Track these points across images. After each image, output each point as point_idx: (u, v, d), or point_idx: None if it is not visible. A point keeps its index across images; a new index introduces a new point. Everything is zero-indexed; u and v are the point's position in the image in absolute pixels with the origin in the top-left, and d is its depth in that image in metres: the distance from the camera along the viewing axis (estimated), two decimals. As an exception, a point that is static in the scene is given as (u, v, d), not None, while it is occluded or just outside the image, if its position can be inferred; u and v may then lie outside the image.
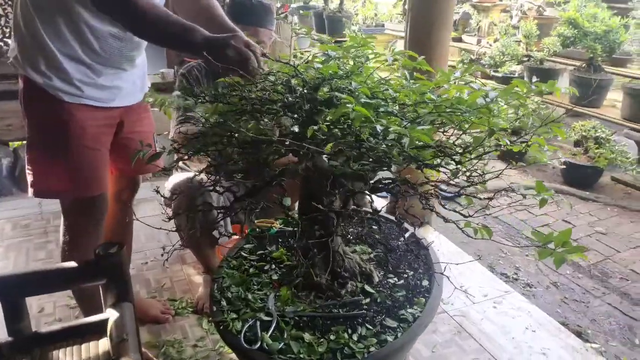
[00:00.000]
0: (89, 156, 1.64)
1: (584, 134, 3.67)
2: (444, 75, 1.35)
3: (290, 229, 1.76)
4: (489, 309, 2.16)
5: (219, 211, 1.37)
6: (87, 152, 1.63)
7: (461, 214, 1.19)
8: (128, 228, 2.06)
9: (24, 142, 2.30)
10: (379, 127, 1.06)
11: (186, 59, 4.94)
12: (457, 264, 1.45)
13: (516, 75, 5.02)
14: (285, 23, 4.66)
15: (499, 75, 4.97)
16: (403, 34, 7.24)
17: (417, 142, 1.03)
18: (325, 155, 1.21)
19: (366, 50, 1.40)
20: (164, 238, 2.76)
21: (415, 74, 1.38)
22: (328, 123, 1.08)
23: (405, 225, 1.72)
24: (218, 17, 1.70)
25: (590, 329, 2.22)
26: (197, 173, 1.42)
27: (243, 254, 1.63)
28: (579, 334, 2.11)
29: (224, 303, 1.38)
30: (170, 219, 1.28)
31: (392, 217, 1.61)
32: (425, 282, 1.47)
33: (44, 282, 1.38)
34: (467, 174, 1.21)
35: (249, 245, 1.67)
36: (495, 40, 5.25)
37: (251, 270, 1.53)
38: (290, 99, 1.19)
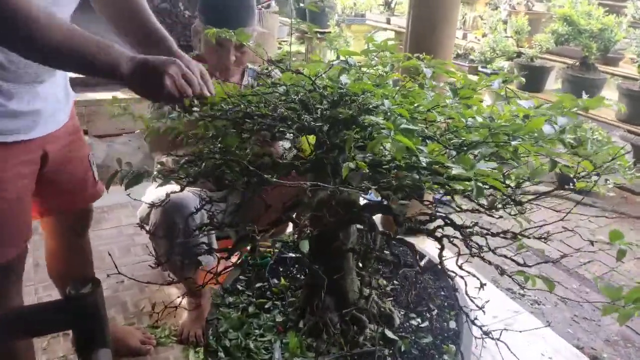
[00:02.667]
0: (3, 209, 1.24)
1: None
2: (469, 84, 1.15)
3: (292, 254, 1.55)
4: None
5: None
6: (1, 203, 1.24)
7: (514, 261, 1.00)
8: (87, 258, 1.73)
9: None
10: (424, 161, 0.86)
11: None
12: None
13: (505, 71, 4.88)
14: (269, 13, 4.40)
15: (488, 71, 4.83)
16: (384, 25, 7.05)
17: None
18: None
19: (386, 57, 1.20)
20: (141, 250, 2.52)
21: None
22: (362, 155, 0.88)
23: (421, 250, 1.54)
24: (148, 24, 1.35)
25: (606, 352, 2.09)
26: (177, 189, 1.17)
27: (239, 287, 1.42)
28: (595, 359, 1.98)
29: (221, 354, 1.17)
30: (159, 264, 1.06)
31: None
32: (452, 324, 1.29)
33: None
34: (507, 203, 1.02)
35: (246, 276, 1.46)
36: (484, 35, 5.10)
37: (250, 309, 1.33)
38: (308, 119, 0.98)
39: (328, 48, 5.80)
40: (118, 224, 2.74)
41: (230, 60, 1.78)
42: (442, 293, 1.41)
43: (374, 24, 7.41)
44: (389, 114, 0.95)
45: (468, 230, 0.94)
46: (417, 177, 0.87)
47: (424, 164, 0.86)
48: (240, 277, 1.45)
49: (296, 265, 1.51)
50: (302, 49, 6.29)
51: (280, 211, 1.03)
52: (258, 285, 1.41)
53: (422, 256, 1.52)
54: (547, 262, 0.99)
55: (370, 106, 0.99)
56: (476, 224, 0.95)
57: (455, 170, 0.77)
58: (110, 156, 3.18)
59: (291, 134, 1.01)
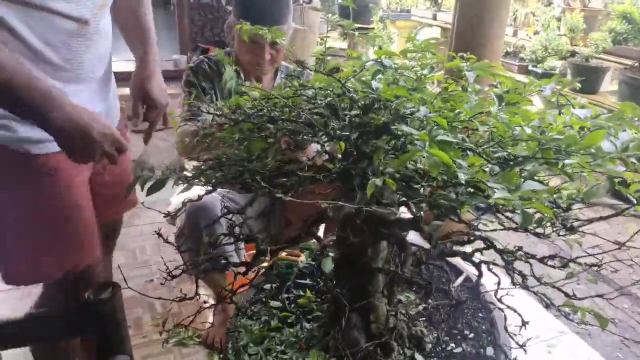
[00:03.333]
0: (78, 211, 1.25)
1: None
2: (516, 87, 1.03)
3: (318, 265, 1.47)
4: (542, 354, 1.87)
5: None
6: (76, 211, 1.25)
7: (562, 292, 0.89)
8: (108, 268, 1.68)
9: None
10: (462, 177, 0.76)
11: (201, 45, 4.64)
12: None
13: (557, 71, 4.64)
14: (310, 8, 4.33)
15: (539, 71, 4.60)
16: (430, 21, 6.85)
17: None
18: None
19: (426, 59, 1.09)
20: (172, 249, 2.49)
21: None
22: (392, 170, 0.79)
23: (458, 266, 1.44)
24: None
25: (660, 382, 1.92)
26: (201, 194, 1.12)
27: (262, 297, 1.35)
28: (647, 390, 1.82)
29: (239, 371, 1.11)
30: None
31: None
32: (489, 351, 1.18)
33: (17, 333, 1.11)
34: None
35: (270, 285, 1.39)
36: (536, 33, 4.86)
37: (273, 322, 1.26)
38: (336, 126, 0.90)
39: (371, 45, 5.67)
40: (151, 221, 2.73)
41: (265, 58, 1.72)
42: (480, 315, 1.30)
43: (419, 19, 7.23)
44: (424, 122, 0.86)
45: (511, 255, 0.83)
46: (454, 196, 0.77)
47: (463, 181, 0.76)
48: (265, 286, 1.39)
49: (323, 277, 1.43)
50: (345, 45, 6.19)
51: (301, 225, 0.96)
52: (281, 297, 1.34)
53: (459, 273, 1.42)
54: (599, 295, 0.87)
55: (406, 112, 0.90)
56: (520, 248, 0.84)
57: (499, 193, 0.67)
58: (147, 152, 3.18)
59: (316, 142, 0.93)
